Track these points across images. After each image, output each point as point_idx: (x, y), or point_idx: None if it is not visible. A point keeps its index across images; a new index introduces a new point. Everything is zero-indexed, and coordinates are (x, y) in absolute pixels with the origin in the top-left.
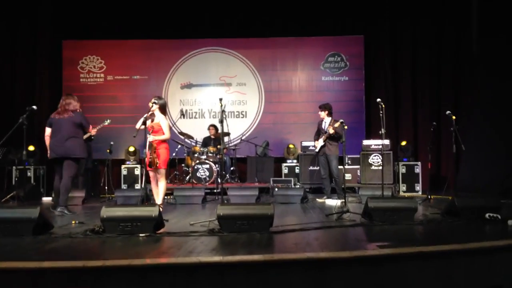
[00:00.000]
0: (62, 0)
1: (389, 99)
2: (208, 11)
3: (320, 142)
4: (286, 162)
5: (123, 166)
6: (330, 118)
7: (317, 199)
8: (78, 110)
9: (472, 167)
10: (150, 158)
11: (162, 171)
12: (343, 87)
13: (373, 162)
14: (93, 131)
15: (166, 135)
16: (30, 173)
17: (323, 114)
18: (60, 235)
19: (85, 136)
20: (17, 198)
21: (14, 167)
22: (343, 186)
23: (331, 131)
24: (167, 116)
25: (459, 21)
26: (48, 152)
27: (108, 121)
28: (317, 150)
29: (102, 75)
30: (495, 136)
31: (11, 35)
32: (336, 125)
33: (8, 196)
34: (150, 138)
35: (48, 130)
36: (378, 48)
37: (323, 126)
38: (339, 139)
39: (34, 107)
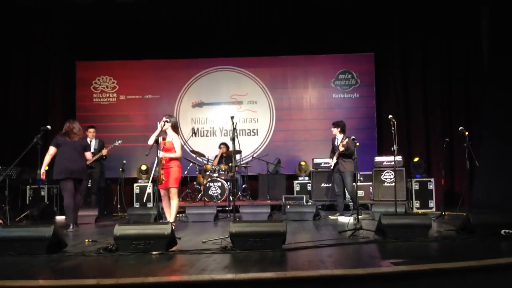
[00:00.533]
0: (75, 22)
1: (401, 115)
2: (218, 31)
3: (334, 160)
4: (298, 179)
5: (135, 185)
6: (342, 135)
7: (330, 216)
8: (84, 135)
9: (486, 183)
10: (158, 175)
11: (174, 189)
12: (354, 104)
13: (386, 179)
14: (104, 151)
15: (178, 153)
16: (44, 192)
17: (335, 131)
18: (74, 254)
19: (97, 156)
20: (31, 217)
21: (28, 186)
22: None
23: (341, 148)
24: (179, 135)
25: (469, 37)
26: (43, 170)
27: (119, 141)
28: (331, 167)
29: (115, 94)
30: (508, 152)
31: (26, 55)
32: (345, 142)
33: (22, 215)
34: (161, 154)
35: (52, 149)
36: (388, 65)
37: (336, 144)
38: (352, 156)
39: (48, 127)
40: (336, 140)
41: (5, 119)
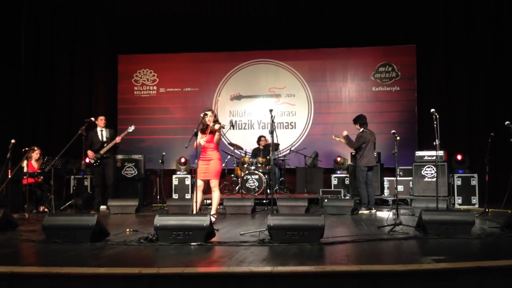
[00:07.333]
0: (117, 16)
1: (443, 109)
2: (257, 24)
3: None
4: (335, 173)
5: (174, 176)
6: (361, 130)
7: (361, 211)
8: None
9: None
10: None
11: (215, 181)
12: (395, 97)
13: (427, 174)
14: (118, 139)
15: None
16: (87, 182)
17: (357, 126)
18: (116, 243)
19: (110, 144)
20: (75, 206)
21: (72, 176)
22: (394, 198)
23: (342, 140)
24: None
25: None
26: None
27: (132, 127)
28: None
29: (155, 87)
30: None
31: (69, 49)
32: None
33: (66, 204)
34: (202, 141)
35: None
36: (431, 57)
37: None
38: (356, 150)
39: (92, 119)
40: None
41: (50, 112)
